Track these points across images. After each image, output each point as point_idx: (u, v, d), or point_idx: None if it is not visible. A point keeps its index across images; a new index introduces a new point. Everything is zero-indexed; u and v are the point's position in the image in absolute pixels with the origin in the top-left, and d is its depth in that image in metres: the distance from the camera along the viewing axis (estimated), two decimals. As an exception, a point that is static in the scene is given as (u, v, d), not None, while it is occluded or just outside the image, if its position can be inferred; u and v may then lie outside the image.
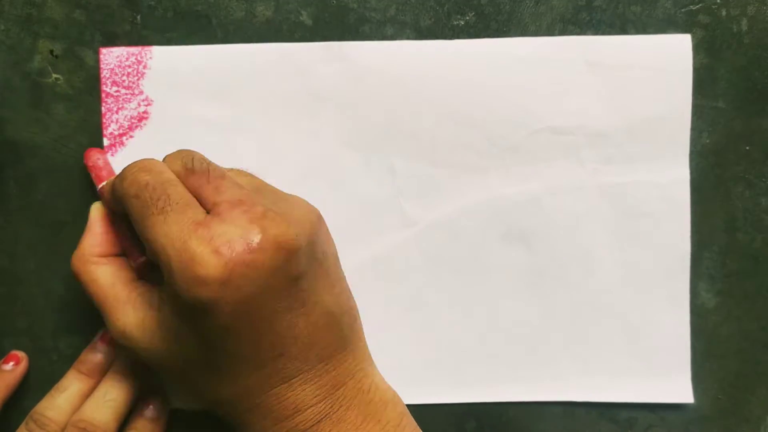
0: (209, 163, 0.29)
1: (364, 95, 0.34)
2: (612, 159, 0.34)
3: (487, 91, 0.34)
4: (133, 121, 0.35)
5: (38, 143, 0.35)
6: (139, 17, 0.34)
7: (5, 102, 0.35)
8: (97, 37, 0.35)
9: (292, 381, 0.27)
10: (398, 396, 0.30)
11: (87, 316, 0.35)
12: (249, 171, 0.31)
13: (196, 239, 0.25)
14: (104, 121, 0.34)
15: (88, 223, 0.32)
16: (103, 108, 0.34)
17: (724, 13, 0.34)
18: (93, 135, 0.35)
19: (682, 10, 0.34)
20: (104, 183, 0.33)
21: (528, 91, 0.34)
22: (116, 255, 0.32)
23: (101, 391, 0.32)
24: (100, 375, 0.33)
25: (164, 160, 0.30)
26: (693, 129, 0.34)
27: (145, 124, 0.35)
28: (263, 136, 0.35)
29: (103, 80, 0.34)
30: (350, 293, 0.30)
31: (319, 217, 0.29)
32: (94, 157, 0.34)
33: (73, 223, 0.35)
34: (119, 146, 0.35)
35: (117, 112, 0.35)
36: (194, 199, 0.27)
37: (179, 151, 0.30)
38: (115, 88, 0.34)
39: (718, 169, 0.35)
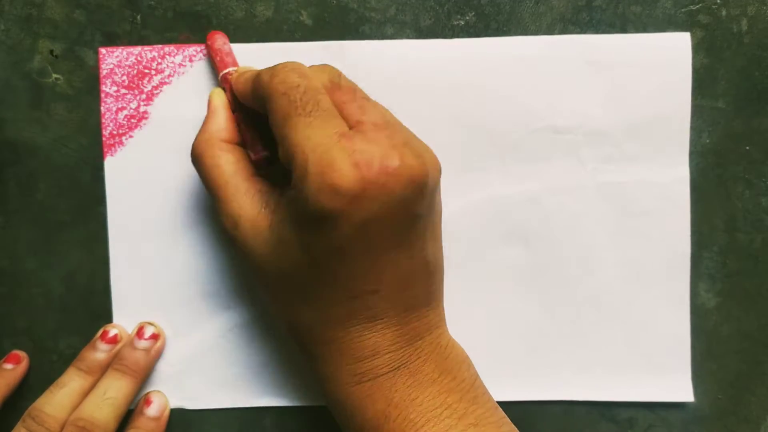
0: (354, 84, 0.29)
1: (364, 95, 0.34)
2: (612, 158, 0.34)
3: (487, 90, 0.34)
4: (132, 121, 0.35)
5: (38, 143, 0.35)
6: (139, 17, 0.35)
7: (5, 102, 0.35)
8: (97, 37, 0.35)
9: (377, 322, 0.27)
10: (469, 358, 0.30)
11: (87, 316, 0.35)
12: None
13: (338, 149, 0.25)
14: (103, 121, 0.34)
15: (212, 108, 0.31)
16: (102, 108, 0.34)
17: (724, 13, 0.34)
18: (93, 135, 0.35)
19: (682, 10, 0.34)
20: (231, 69, 0.32)
21: (528, 90, 0.34)
22: (237, 144, 0.31)
23: (101, 389, 0.32)
24: (99, 373, 0.33)
25: (309, 68, 0.29)
26: (693, 129, 0.34)
27: (144, 124, 0.35)
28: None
29: (103, 80, 0.34)
30: (442, 252, 0.30)
31: (441, 168, 0.29)
32: (220, 41, 0.33)
33: (73, 223, 0.35)
34: (119, 146, 0.35)
35: (117, 112, 0.35)
36: (338, 113, 0.27)
37: (324, 65, 0.29)
38: (114, 88, 0.34)
39: (718, 169, 0.35)
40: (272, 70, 0.28)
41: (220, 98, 0.32)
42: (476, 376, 0.29)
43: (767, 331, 0.35)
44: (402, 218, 0.26)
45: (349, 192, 0.25)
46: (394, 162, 0.25)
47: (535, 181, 0.35)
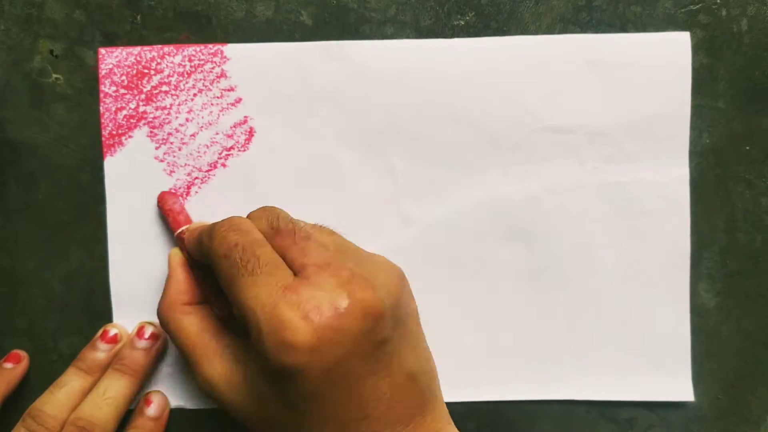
0: (295, 223, 0.29)
1: (364, 95, 0.34)
2: (612, 158, 0.34)
3: (487, 89, 0.34)
4: (132, 121, 0.35)
5: (38, 143, 0.35)
6: (139, 17, 0.35)
7: (5, 102, 0.35)
8: (97, 37, 0.35)
9: None
10: None
11: (87, 316, 0.35)
12: (329, 227, 0.30)
13: (286, 304, 0.25)
14: (103, 121, 0.34)
15: (170, 271, 0.32)
16: (101, 108, 0.35)
17: (724, 13, 0.34)
18: (93, 135, 0.35)
19: (682, 10, 0.34)
20: (183, 228, 0.33)
21: (527, 89, 0.34)
22: (199, 303, 0.32)
23: (100, 389, 0.32)
24: (99, 373, 0.33)
25: (249, 216, 0.30)
26: (693, 129, 0.34)
27: (144, 124, 0.35)
28: (263, 135, 0.35)
29: (102, 80, 0.34)
30: (430, 353, 0.30)
31: (402, 277, 0.29)
32: (170, 201, 0.34)
33: (73, 223, 0.35)
34: (118, 146, 0.35)
35: (116, 113, 0.35)
36: (281, 261, 0.27)
37: (264, 209, 0.30)
38: (113, 88, 0.34)
39: (718, 169, 0.35)
40: (211, 231, 0.29)
41: (177, 258, 0.32)
42: None
43: (767, 331, 0.35)
44: (368, 350, 0.26)
45: (306, 345, 0.25)
46: (343, 302, 0.25)
47: (535, 181, 0.35)
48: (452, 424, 0.30)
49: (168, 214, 0.34)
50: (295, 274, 0.27)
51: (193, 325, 0.30)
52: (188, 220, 0.34)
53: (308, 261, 0.27)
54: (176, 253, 0.33)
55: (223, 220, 0.29)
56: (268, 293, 0.26)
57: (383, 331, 0.26)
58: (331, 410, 0.26)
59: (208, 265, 0.30)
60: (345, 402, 0.26)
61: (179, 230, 0.33)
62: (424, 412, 0.28)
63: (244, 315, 0.26)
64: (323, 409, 0.26)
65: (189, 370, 0.30)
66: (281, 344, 0.25)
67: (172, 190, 0.34)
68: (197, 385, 0.29)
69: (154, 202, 0.35)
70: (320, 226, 0.30)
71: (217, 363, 0.29)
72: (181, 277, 0.32)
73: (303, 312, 0.25)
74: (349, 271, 0.27)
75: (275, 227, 0.29)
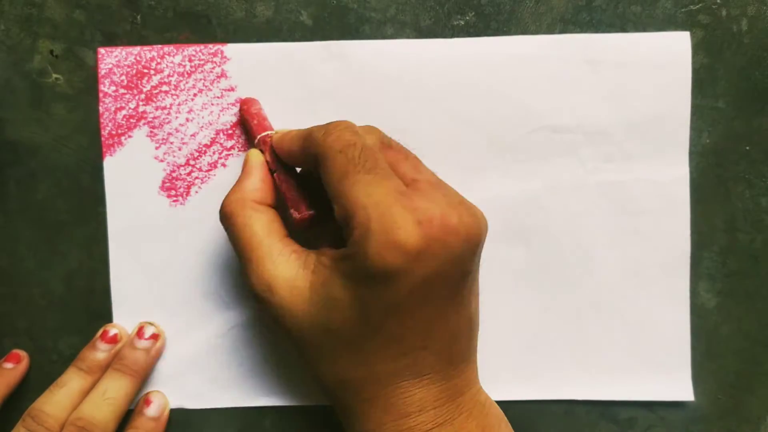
0: (402, 145, 0.30)
1: (364, 94, 0.34)
2: (611, 157, 0.34)
3: (487, 89, 0.34)
4: (131, 121, 0.35)
5: (38, 143, 0.35)
6: (139, 17, 0.35)
7: (5, 102, 0.35)
8: (97, 37, 0.35)
9: (423, 378, 0.27)
10: (506, 418, 0.30)
11: (87, 316, 0.35)
12: None
13: (400, 206, 0.25)
14: (102, 121, 0.35)
15: (247, 168, 0.31)
16: (101, 108, 0.35)
17: (724, 13, 0.34)
18: (93, 135, 0.35)
19: (682, 10, 0.34)
20: (269, 132, 0.32)
21: (527, 89, 0.34)
22: (270, 206, 0.30)
23: (100, 389, 0.32)
24: (99, 373, 0.33)
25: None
26: (693, 129, 0.34)
27: (144, 124, 0.35)
28: (263, 136, 0.35)
29: (101, 80, 0.34)
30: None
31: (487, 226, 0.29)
32: (256, 106, 0.33)
33: (73, 223, 0.35)
34: (118, 146, 0.35)
35: (115, 113, 0.35)
36: (393, 172, 0.27)
37: (370, 126, 0.30)
38: (113, 88, 0.34)
39: (718, 169, 0.35)
40: (325, 128, 0.28)
41: (258, 158, 0.31)
42: None
43: (767, 331, 0.35)
44: (457, 274, 0.26)
45: (414, 249, 0.25)
46: (453, 219, 0.26)
47: (535, 181, 0.35)
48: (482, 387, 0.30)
49: (253, 117, 0.33)
50: (406, 186, 0.27)
51: (263, 222, 0.29)
52: (272, 128, 0.33)
53: (420, 177, 0.28)
54: (256, 153, 0.31)
55: (335, 121, 0.28)
56: (384, 193, 0.25)
57: (472, 262, 0.27)
58: (402, 330, 0.26)
59: (290, 170, 0.30)
60: (418, 325, 0.26)
61: (264, 133, 0.32)
62: (468, 360, 0.29)
63: (352, 211, 0.26)
64: (396, 326, 0.26)
65: (243, 269, 0.29)
66: (390, 243, 0.24)
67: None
68: (249, 286, 0.28)
69: (154, 201, 0.35)
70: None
71: (283, 265, 0.28)
72: (259, 175, 0.31)
73: (416, 218, 0.25)
74: (458, 196, 0.27)
75: (386, 143, 0.29)
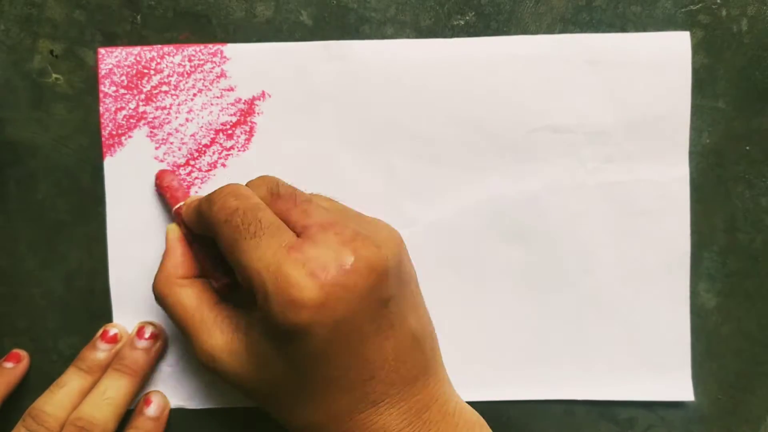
0: (294, 188, 0.29)
1: (364, 94, 0.34)
2: (612, 157, 0.34)
3: (487, 89, 0.34)
4: (132, 121, 0.35)
5: (38, 143, 0.35)
6: (139, 17, 0.35)
7: (5, 102, 0.35)
8: (97, 37, 0.35)
9: (380, 405, 0.27)
10: (481, 418, 0.30)
11: (87, 316, 0.35)
12: (328, 196, 0.31)
13: (291, 263, 0.25)
14: (102, 121, 0.35)
15: (168, 246, 0.32)
16: (101, 108, 0.35)
17: (724, 13, 0.34)
18: (93, 135, 0.35)
19: (682, 10, 0.34)
20: (181, 204, 0.33)
21: (527, 89, 0.34)
22: (196, 277, 0.32)
23: (100, 389, 0.32)
24: (99, 372, 0.33)
25: (247, 185, 0.30)
26: (693, 129, 0.34)
27: (144, 124, 0.35)
28: (263, 135, 0.35)
29: (101, 80, 0.34)
30: (429, 316, 0.30)
31: (401, 239, 0.29)
32: (168, 179, 0.34)
33: (73, 223, 0.35)
34: (118, 146, 0.35)
35: (115, 113, 0.35)
36: (283, 224, 0.27)
37: (262, 177, 0.30)
38: (113, 88, 0.34)
39: (718, 169, 0.35)
40: (210, 198, 0.29)
41: (175, 233, 0.32)
42: None
43: (767, 331, 0.35)
44: (373, 308, 0.26)
45: (313, 302, 0.25)
46: (348, 259, 0.25)
47: (535, 181, 0.35)
48: (454, 389, 0.30)
49: (166, 191, 0.34)
50: (298, 236, 0.27)
51: (191, 297, 0.30)
52: (186, 196, 0.34)
53: (310, 222, 0.27)
54: (173, 228, 0.33)
55: (221, 187, 0.29)
56: (273, 253, 0.26)
57: (388, 289, 0.26)
58: (337, 371, 0.26)
59: (206, 238, 0.30)
60: (350, 362, 0.26)
61: (177, 206, 0.33)
62: (427, 374, 0.28)
63: (248, 277, 0.26)
64: (329, 370, 0.26)
65: (188, 344, 0.30)
66: (288, 302, 0.25)
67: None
68: (198, 359, 0.29)
69: (154, 201, 0.35)
70: (318, 194, 0.30)
71: (217, 333, 0.29)
72: (179, 251, 0.32)
73: (309, 269, 0.25)
74: (352, 230, 0.27)
75: (275, 192, 0.29)
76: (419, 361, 0.28)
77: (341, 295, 0.25)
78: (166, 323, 0.35)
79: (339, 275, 0.25)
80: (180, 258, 0.32)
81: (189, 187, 0.35)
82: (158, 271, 0.31)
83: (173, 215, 0.33)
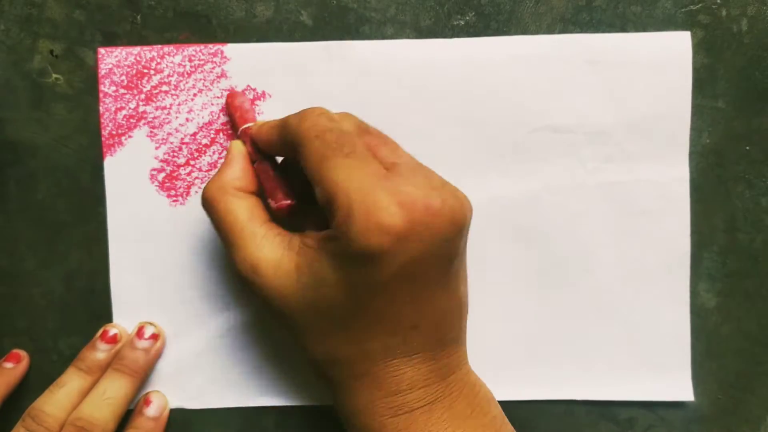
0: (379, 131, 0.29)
1: (364, 94, 0.34)
2: (612, 157, 0.34)
3: (487, 89, 0.34)
4: (132, 121, 0.35)
5: (38, 143, 0.35)
6: (139, 17, 0.35)
7: (5, 102, 0.35)
8: (97, 37, 0.35)
9: (413, 357, 0.27)
10: (495, 398, 0.30)
11: (87, 316, 0.35)
12: None
13: (381, 188, 0.25)
14: (102, 121, 0.35)
15: (229, 157, 0.31)
16: (101, 108, 0.35)
17: (724, 13, 0.34)
18: (93, 135, 0.35)
19: (682, 10, 0.34)
20: (252, 124, 0.32)
21: (527, 89, 0.34)
22: (252, 194, 0.31)
23: (100, 389, 0.32)
24: (99, 373, 0.33)
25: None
26: (693, 129, 0.34)
27: (144, 124, 0.35)
28: (263, 136, 0.35)
29: (101, 80, 0.34)
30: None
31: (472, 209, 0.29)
32: (239, 99, 0.33)
33: (73, 223, 0.35)
34: (118, 146, 0.35)
35: (116, 113, 0.35)
36: (372, 156, 0.27)
37: (348, 114, 0.29)
38: (113, 88, 0.34)
39: (718, 169, 0.35)
40: (300, 115, 0.28)
41: (238, 148, 0.31)
42: (504, 415, 0.30)
43: (767, 331, 0.35)
44: (443, 257, 0.26)
45: (396, 231, 0.25)
46: (436, 202, 0.26)
47: (535, 181, 0.35)
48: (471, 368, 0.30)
49: (236, 110, 0.33)
50: (386, 170, 0.27)
51: (244, 209, 0.29)
52: (254, 119, 0.33)
53: (400, 161, 0.27)
54: (238, 143, 0.32)
55: (310, 108, 0.29)
56: (365, 176, 0.26)
57: (458, 245, 0.27)
58: (390, 309, 0.26)
59: (271, 160, 0.30)
60: (405, 305, 0.26)
61: (246, 125, 0.32)
62: (458, 342, 0.29)
63: (333, 193, 0.26)
64: (384, 306, 0.26)
65: (228, 254, 0.29)
66: (374, 225, 0.25)
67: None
68: (235, 271, 0.28)
69: (154, 201, 0.35)
70: None
71: (267, 247, 0.28)
72: (240, 165, 0.31)
73: (398, 199, 0.25)
74: (440, 179, 0.27)
75: (364, 128, 0.29)
76: (457, 327, 0.29)
77: (423, 233, 0.25)
78: (166, 323, 0.35)
79: (425, 214, 0.25)
80: (239, 171, 0.30)
81: (189, 187, 0.35)
82: (212, 179, 0.30)
83: (239, 134, 0.32)
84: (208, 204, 0.30)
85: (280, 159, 0.32)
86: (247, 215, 0.29)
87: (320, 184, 0.26)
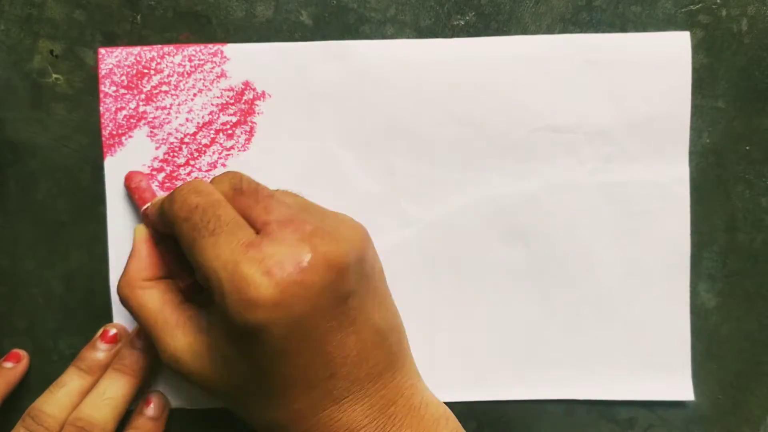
0: (257, 184, 0.29)
1: (364, 95, 0.34)
2: (612, 157, 0.34)
3: (487, 89, 0.34)
4: (132, 121, 0.35)
5: (38, 143, 0.35)
6: (139, 17, 0.35)
7: (5, 102, 0.35)
8: (97, 37, 0.35)
9: (343, 402, 0.27)
10: (449, 410, 0.30)
11: (87, 316, 0.35)
12: (292, 191, 0.31)
13: (248, 261, 0.25)
14: (103, 121, 0.35)
15: (133, 247, 0.32)
16: (101, 108, 0.35)
17: (724, 13, 0.34)
18: (93, 135, 0.35)
19: (682, 10, 0.34)
20: (148, 204, 0.33)
21: (527, 89, 0.34)
22: (162, 278, 0.32)
23: (100, 389, 0.32)
24: (99, 372, 0.33)
25: (211, 181, 0.30)
26: (693, 129, 0.34)
27: (144, 124, 0.35)
28: (263, 135, 0.35)
29: (102, 80, 0.34)
30: (396, 310, 0.30)
31: (366, 233, 0.29)
32: (136, 179, 0.34)
33: (73, 223, 0.35)
34: (118, 146, 0.35)
35: (116, 113, 0.35)
36: (243, 220, 0.27)
37: (226, 173, 0.30)
38: (113, 88, 0.34)
39: (718, 169, 0.35)
40: (171, 196, 0.29)
41: (141, 234, 0.32)
42: (457, 430, 0.29)
43: (767, 331, 0.35)
44: (333, 304, 0.26)
45: (269, 301, 0.25)
46: (306, 256, 0.25)
47: (535, 181, 0.35)
48: (422, 381, 0.30)
49: (134, 192, 0.34)
50: (258, 232, 0.27)
51: (154, 299, 0.30)
52: (153, 197, 0.33)
53: (270, 218, 0.27)
54: (141, 229, 0.33)
55: (183, 184, 0.29)
56: (230, 251, 0.26)
57: (348, 285, 0.26)
58: (297, 369, 0.26)
59: (173, 238, 0.30)
60: (311, 360, 0.26)
61: (145, 206, 0.33)
62: (393, 368, 0.28)
63: (206, 276, 0.26)
64: (289, 368, 0.26)
65: (153, 347, 0.30)
66: (244, 301, 0.25)
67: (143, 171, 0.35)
68: (162, 361, 0.29)
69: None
70: (283, 190, 0.30)
71: (180, 335, 0.29)
72: (144, 252, 0.32)
73: (265, 267, 0.25)
74: (312, 225, 0.26)
75: (237, 188, 0.28)
76: (384, 356, 0.28)
77: (298, 292, 0.25)
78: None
79: (295, 272, 0.25)
80: (145, 260, 0.31)
81: None
82: (122, 274, 0.31)
83: (141, 216, 0.33)
84: (122, 301, 0.31)
85: None
86: (157, 306, 0.30)
87: (195, 266, 0.27)
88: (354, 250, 0.27)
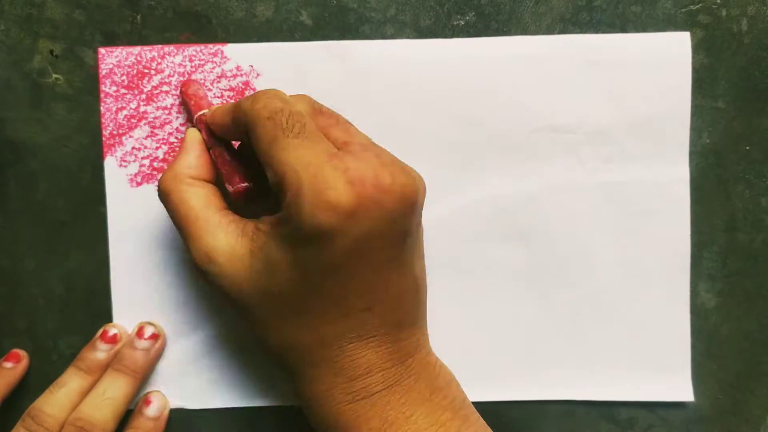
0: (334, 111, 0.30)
1: (364, 94, 0.34)
2: (612, 157, 0.34)
3: (487, 89, 0.34)
4: (132, 121, 0.35)
5: (38, 143, 0.35)
6: (139, 17, 0.35)
7: (5, 102, 0.35)
8: (97, 37, 0.35)
9: (369, 340, 0.27)
10: (457, 379, 0.30)
11: (87, 316, 0.35)
12: None
13: (331, 167, 0.25)
14: (103, 121, 0.35)
15: (184, 145, 0.31)
16: (102, 108, 0.35)
17: (724, 13, 0.34)
18: (93, 135, 0.35)
19: (682, 10, 0.34)
20: (205, 111, 0.32)
21: (527, 89, 0.34)
22: (208, 181, 0.31)
23: (100, 389, 0.32)
24: (99, 372, 0.33)
25: None
26: (693, 129, 0.34)
27: (144, 124, 0.35)
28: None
29: (102, 80, 0.34)
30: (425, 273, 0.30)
31: (426, 190, 0.29)
32: (194, 86, 0.33)
33: (73, 223, 0.35)
34: (118, 146, 0.35)
35: (116, 112, 0.35)
36: (324, 137, 0.27)
37: (301, 95, 0.30)
38: (114, 88, 0.34)
39: (718, 169, 0.35)
40: (253, 97, 0.28)
41: (194, 136, 0.32)
42: (465, 396, 0.29)
43: (767, 331, 0.35)
44: (394, 235, 0.26)
45: (345, 208, 0.25)
46: (386, 179, 0.26)
47: (535, 181, 0.35)
48: (432, 350, 0.30)
49: (191, 98, 0.33)
50: (338, 150, 0.27)
51: (199, 197, 0.29)
52: (209, 106, 0.33)
53: (352, 140, 0.28)
54: (193, 131, 0.32)
55: (264, 89, 0.29)
56: (313, 155, 0.26)
57: (411, 223, 0.27)
58: (343, 290, 0.26)
59: (227, 145, 0.30)
60: (358, 286, 0.26)
61: (200, 112, 0.32)
62: (415, 324, 0.29)
63: (282, 174, 0.26)
64: (336, 287, 0.26)
65: (184, 245, 0.29)
66: (322, 202, 0.25)
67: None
68: (192, 258, 0.28)
69: (154, 201, 0.35)
70: None
71: (221, 235, 0.28)
72: (195, 152, 0.31)
73: (348, 177, 0.25)
74: (390, 157, 0.27)
75: (317, 108, 0.29)
76: (414, 308, 0.28)
77: (373, 210, 0.25)
78: (166, 323, 0.35)
79: (375, 191, 0.25)
80: (195, 159, 0.31)
81: None
82: (167, 168, 0.30)
83: (195, 121, 0.32)
84: (163, 195, 0.30)
85: (237, 144, 0.32)
86: (202, 203, 0.29)
87: (271, 165, 0.27)
88: (422, 192, 0.28)
